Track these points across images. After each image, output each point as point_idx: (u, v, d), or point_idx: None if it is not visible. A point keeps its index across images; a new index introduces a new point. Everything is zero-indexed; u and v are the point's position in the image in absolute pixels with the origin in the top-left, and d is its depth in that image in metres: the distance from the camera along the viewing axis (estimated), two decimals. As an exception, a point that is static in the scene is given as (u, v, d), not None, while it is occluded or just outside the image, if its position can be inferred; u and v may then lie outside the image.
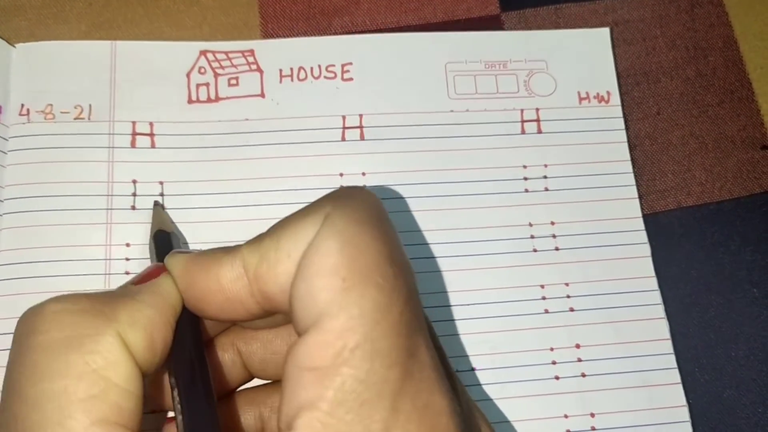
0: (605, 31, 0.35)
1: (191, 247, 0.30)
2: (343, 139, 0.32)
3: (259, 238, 0.21)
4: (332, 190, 0.22)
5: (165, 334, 0.21)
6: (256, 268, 0.20)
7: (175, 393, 0.21)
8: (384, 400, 0.18)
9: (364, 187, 0.22)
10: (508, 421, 0.29)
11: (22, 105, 0.31)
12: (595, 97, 0.34)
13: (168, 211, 0.30)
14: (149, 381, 0.23)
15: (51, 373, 0.18)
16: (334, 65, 0.33)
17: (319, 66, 0.33)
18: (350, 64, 0.33)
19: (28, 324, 0.20)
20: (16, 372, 0.19)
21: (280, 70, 0.33)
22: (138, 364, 0.20)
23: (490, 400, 0.29)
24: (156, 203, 0.30)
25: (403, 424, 0.18)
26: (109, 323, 0.19)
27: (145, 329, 0.20)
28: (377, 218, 0.20)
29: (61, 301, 0.20)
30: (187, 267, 0.22)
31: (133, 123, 0.31)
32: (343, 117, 0.32)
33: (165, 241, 0.27)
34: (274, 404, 0.25)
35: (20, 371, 0.19)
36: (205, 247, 0.29)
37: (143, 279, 0.22)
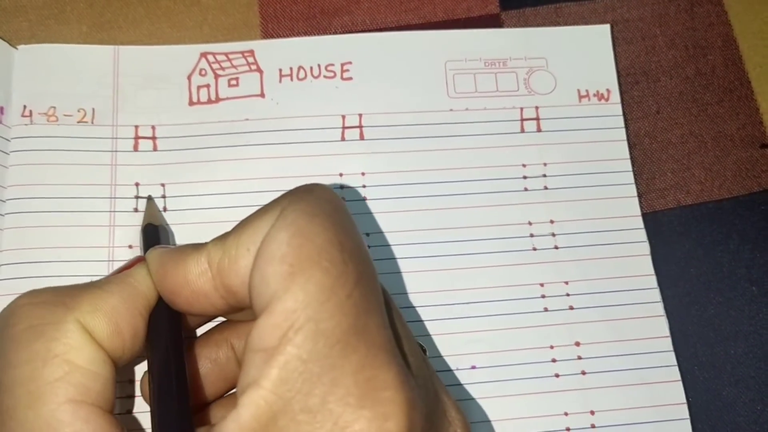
0: (605, 28, 0.35)
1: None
2: (343, 139, 0.32)
3: (224, 236, 0.22)
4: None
5: (133, 322, 0.22)
6: (219, 262, 0.21)
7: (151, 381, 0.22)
8: (324, 376, 0.19)
9: (322, 184, 0.23)
10: (508, 419, 0.29)
11: (24, 106, 0.31)
12: (594, 95, 0.34)
13: (170, 212, 0.30)
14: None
15: (19, 360, 0.20)
16: (333, 64, 0.33)
17: (319, 65, 0.33)
18: (350, 63, 0.33)
19: (2, 320, 0.21)
20: None
21: (280, 70, 0.33)
22: (104, 349, 0.21)
23: (491, 398, 0.29)
24: (149, 197, 0.30)
25: (342, 397, 0.19)
26: (69, 312, 0.21)
27: (107, 316, 0.21)
28: (330, 210, 0.21)
29: (28, 295, 0.21)
30: (160, 261, 0.23)
31: (136, 127, 0.31)
32: (343, 116, 0.32)
33: (153, 234, 0.28)
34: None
35: None
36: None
37: (120, 270, 0.24)
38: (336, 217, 0.21)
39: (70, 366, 0.20)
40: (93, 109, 0.31)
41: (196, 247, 0.22)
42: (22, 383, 0.20)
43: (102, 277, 0.24)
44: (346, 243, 0.20)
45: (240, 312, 0.23)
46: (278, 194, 0.30)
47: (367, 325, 0.20)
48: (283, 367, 0.19)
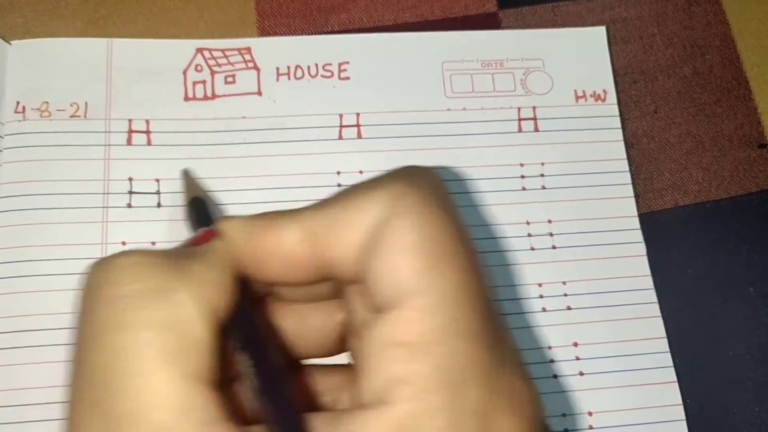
0: (601, 30, 0.35)
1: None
2: (341, 138, 0.32)
3: (322, 205, 0.21)
4: (398, 169, 0.22)
5: (228, 294, 0.21)
6: (320, 233, 0.21)
7: (243, 356, 0.21)
8: (476, 380, 0.18)
9: (426, 168, 0.23)
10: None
11: (18, 102, 0.31)
12: (591, 96, 0.34)
13: (164, 208, 0.30)
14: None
15: (131, 324, 0.18)
16: (331, 64, 0.33)
17: (316, 64, 0.33)
18: (347, 63, 0.33)
19: (102, 276, 0.20)
20: (93, 323, 0.19)
21: (277, 68, 0.33)
22: (209, 319, 0.20)
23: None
24: (185, 170, 0.30)
25: (496, 401, 0.18)
26: (184, 279, 0.20)
27: (215, 287, 0.20)
28: (444, 200, 0.21)
29: (136, 254, 0.20)
30: (247, 229, 0.22)
31: (129, 121, 0.31)
32: (340, 115, 0.32)
33: (201, 207, 0.27)
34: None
35: (97, 321, 0.19)
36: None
37: (190, 244, 0.23)
38: (450, 208, 0.21)
39: (185, 337, 0.19)
40: (86, 103, 0.31)
41: (291, 215, 0.22)
42: (133, 349, 0.18)
43: (177, 246, 0.24)
44: (465, 237, 0.20)
45: (321, 283, 0.23)
46: (277, 192, 0.30)
47: (500, 329, 0.20)
48: (432, 364, 0.18)
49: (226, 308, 0.21)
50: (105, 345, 0.18)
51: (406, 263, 0.19)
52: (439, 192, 0.21)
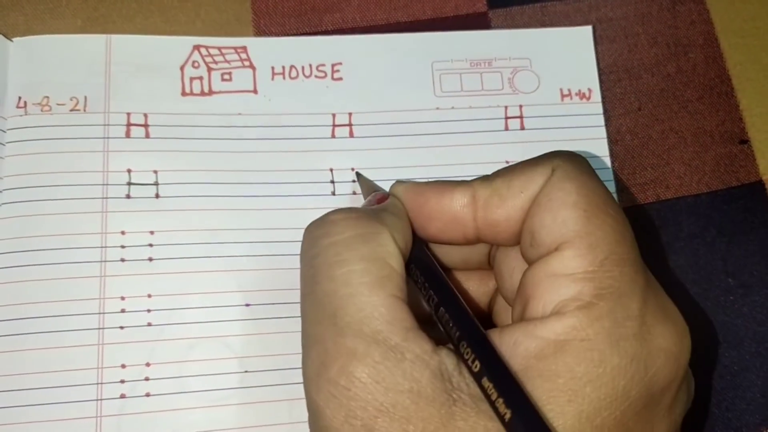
0: (587, 29, 0.35)
1: (183, 232, 0.31)
2: (333, 136, 0.33)
3: (489, 178, 0.25)
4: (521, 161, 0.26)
5: (410, 238, 0.26)
6: (487, 198, 0.25)
7: (425, 289, 0.25)
8: (636, 295, 0.22)
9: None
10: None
11: (20, 97, 0.31)
12: (576, 94, 0.34)
13: (162, 198, 0.31)
14: None
15: (351, 259, 0.23)
16: (324, 64, 0.34)
17: (310, 65, 0.34)
18: (340, 63, 0.34)
19: (320, 230, 0.24)
20: (322, 263, 0.24)
21: (272, 68, 0.33)
22: (401, 256, 0.24)
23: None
24: (357, 174, 0.32)
25: (652, 313, 0.22)
26: (383, 225, 0.24)
27: (401, 232, 0.25)
28: (591, 169, 0.25)
29: (342, 212, 0.25)
30: (419, 190, 0.26)
31: (128, 114, 0.32)
32: (333, 115, 0.33)
33: (365, 179, 0.31)
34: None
35: (325, 261, 0.23)
36: (195, 234, 0.31)
37: (371, 205, 0.27)
38: (594, 173, 0.25)
39: (389, 268, 0.23)
40: (85, 97, 0.32)
41: (461, 183, 0.26)
42: (356, 276, 0.23)
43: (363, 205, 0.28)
44: (608, 191, 0.24)
45: (469, 246, 0.27)
46: (270, 187, 0.31)
47: (639, 253, 0.24)
48: (598, 285, 0.22)
49: (409, 249, 0.25)
50: (331, 276, 0.23)
51: (570, 214, 0.23)
52: (586, 163, 0.25)
